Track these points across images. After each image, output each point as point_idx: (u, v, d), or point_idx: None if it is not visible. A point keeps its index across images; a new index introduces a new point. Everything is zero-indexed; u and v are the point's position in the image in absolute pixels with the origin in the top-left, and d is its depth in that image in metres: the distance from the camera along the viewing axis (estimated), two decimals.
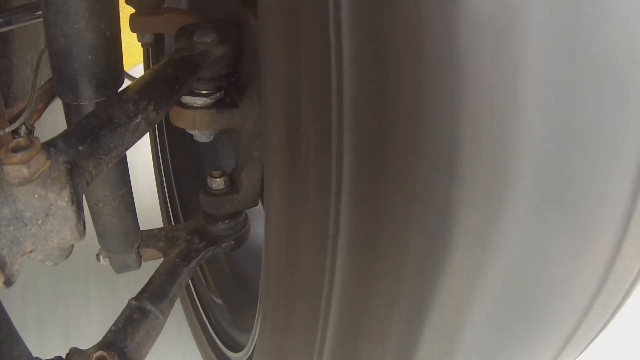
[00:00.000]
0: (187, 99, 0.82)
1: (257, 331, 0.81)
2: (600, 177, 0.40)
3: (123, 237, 0.85)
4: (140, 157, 1.46)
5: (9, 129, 0.81)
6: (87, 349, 0.60)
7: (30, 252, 0.50)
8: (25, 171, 0.45)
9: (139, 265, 0.88)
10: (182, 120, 0.84)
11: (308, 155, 0.48)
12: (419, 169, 0.40)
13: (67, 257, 0.59)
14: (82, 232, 0.51)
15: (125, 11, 0.78)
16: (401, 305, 0.48)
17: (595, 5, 0.33)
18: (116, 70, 0.62)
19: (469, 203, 0.40)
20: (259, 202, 0.91)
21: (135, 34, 0.94)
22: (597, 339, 0.61)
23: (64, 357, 0.58)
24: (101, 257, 0.86)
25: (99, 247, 0.87)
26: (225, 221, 0.90)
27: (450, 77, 0.36)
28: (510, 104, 0.36)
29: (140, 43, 1.01)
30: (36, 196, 0.47)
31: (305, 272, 0.56)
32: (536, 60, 0.35)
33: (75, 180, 0.51)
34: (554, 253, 0.44)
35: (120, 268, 0.87)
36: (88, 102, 0.61)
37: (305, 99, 0.46)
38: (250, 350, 0.89)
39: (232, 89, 0.84)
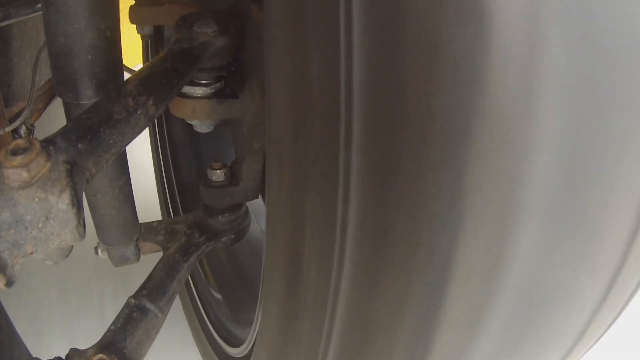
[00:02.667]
0: (187, 89, 0.82)
1: (258, 326, 0.82)
2: (609, 191, 0.41)
3: (122, 228, 0.86)
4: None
5: (8, 129, 0.82)
6: (87, 349, 0.61)
7: (31, 253, 0.51)
8: (25, 175, 0.46)
9: (138, 258, 0.89)
10: (181, 110, 0.85)
11: (314, 150, 0.48)
12: (428, 171, 0.41)
13: (67, 255, 0.61)
14: (83, 234, 0.52)
15: (126, 11, 0.78)
16: (411, 307, 0.48)
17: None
18: (116, 69, 0.62)
19: (480, 213, 0.41)
20: (259, 196, 0.91)
21: (135, 35, 0.94)
22: (599, 341, 0.62)
23: (63, 357, 0.59)
24: (99, 250, 0.87)
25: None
26: (226, 214, 0.91)
27: (464, 91, 0.37)
28: (526, 113, 0.37)
29: (139, 44, 1.01)
30: (36, 199, 0.48)
31: (310, 267, 0.56)
32: (554, 76, 0.36)
33: (75, 179, 0.52)
34: (565, 261, 0.45)
35: (119, 261, 0.88)
36: (88, 101, 0.62)
37: (314, 96, 0.46)
38: (250, 345, 0.91)
39: (232, 79, 0.84)
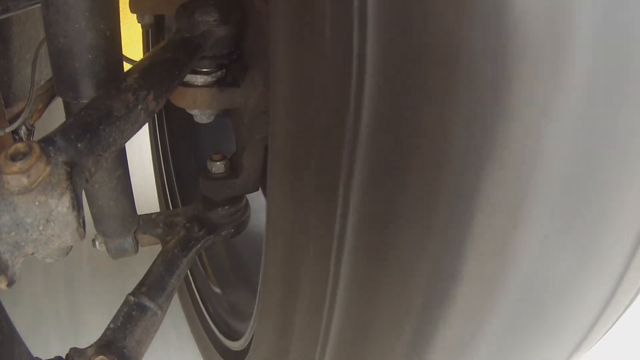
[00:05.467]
0: (188, 77, 0.83)
1: (256, 320, 0.84)
2: (616, 194, 0.42)
3: (120, 220, 0.87)
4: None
5: (9, 129, 0.83)
6: (86, 349, 0.63)
7: (32, 254, 0.52)
8: (25, 181, 0.47)
9: (136, 250, 0.91)
10: (182, 99, 0.85)
11: (318, 143, 0.49)
12: (440, 174, 0.41)
13: (67, 253, 0.62)
14: (83, 235, 0.53)
15: (126, 11, 0.78)
16: (412, 309, 0.49)
17: None
18: (116, 69, 0.63)
19: (487, 214, 0.42)
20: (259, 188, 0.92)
21: (134, 36, 0.94)
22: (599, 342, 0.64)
23: (63, 357, 0.61)
24: (97, 243, 0.88)
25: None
26: (226, 207, 0.92)
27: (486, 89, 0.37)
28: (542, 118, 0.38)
29: (139, 44, 1.01)
30: (37, 203, 0.49)
31: (310, 261, 0.57)
32: (575, 81, 0.36)
33: (75, 180, 0.53)
34: (570, 266, 0.46)
35: (117, 253, 0.89)
36: (88, 100, 0.63)
37: (321, 89, 0.46)
38: (249, 339, 0.92)
39: (234, 68, 0.85)
